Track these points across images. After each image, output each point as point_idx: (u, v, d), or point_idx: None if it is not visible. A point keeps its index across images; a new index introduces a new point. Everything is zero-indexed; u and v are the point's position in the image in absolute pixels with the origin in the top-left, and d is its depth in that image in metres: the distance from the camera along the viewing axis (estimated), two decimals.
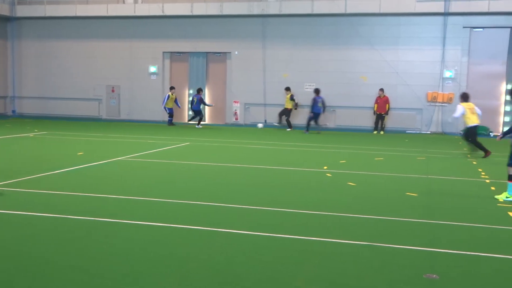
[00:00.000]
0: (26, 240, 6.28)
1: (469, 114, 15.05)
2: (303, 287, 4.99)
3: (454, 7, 22.63)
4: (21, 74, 28.66)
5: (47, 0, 26.95)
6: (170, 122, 24.69)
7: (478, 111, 15.18)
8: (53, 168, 11.32)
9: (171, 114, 24.73)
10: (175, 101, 24.87)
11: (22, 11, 27.57)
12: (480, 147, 15.11)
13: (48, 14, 26.97)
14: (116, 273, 5.21)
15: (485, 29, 23.12)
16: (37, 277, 5.09)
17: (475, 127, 15.05)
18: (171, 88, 25.10)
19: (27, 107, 28.57)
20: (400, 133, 23.04)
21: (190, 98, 25.60)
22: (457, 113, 15.34)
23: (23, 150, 14.71)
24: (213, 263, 5.56)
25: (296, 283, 5.08)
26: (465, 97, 15.52)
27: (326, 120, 24.28)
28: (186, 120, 26.42)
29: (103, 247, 6.02)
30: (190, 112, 25.64)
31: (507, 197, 9.21)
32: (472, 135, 15.16)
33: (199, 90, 24.47)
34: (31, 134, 18.92)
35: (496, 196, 9.37)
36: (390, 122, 23.82)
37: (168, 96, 24.58)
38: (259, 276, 5.23)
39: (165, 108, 24.73)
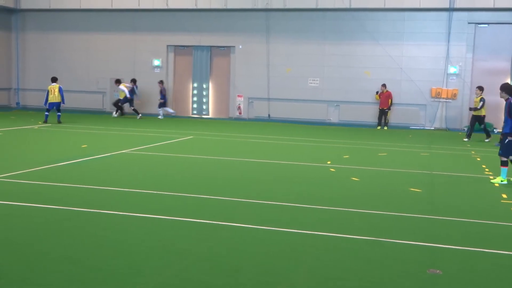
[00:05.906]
0: (24, 231, 6.27)
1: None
2: (303, 280, 4.98)
3: (459, 3, 22.52)
4: (25, 67, 28.66)
5: None
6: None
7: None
8: (57, 160, 11.32)
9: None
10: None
11: (26, 3, 27.51)
12: (117, 106, 24.43)
13: (53, 6, 26.92)
14: (114, 266, 5.19)
15: (490, 25, 22.99)
16: (33, 268, 5.07)
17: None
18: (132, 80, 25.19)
19: (31, 99, 28.52)
20: (404, 129, 22.97)
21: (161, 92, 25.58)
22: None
23: (27, 142, 14.72)
24: (213, 256, 5.55)
25: (296, 276, 5.07)
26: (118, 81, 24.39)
27: (330, 115, 24.29)
28: (190, 114, 26.39)
29: (100, 239, 6.01)
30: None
31: (501, 181, 10.29)
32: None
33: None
34: (36, 127, 18.93)
35: (492, 181, 10.46)
36: (394, 117, 23.74)
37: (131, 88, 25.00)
38: (259, 269, 5.21)
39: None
